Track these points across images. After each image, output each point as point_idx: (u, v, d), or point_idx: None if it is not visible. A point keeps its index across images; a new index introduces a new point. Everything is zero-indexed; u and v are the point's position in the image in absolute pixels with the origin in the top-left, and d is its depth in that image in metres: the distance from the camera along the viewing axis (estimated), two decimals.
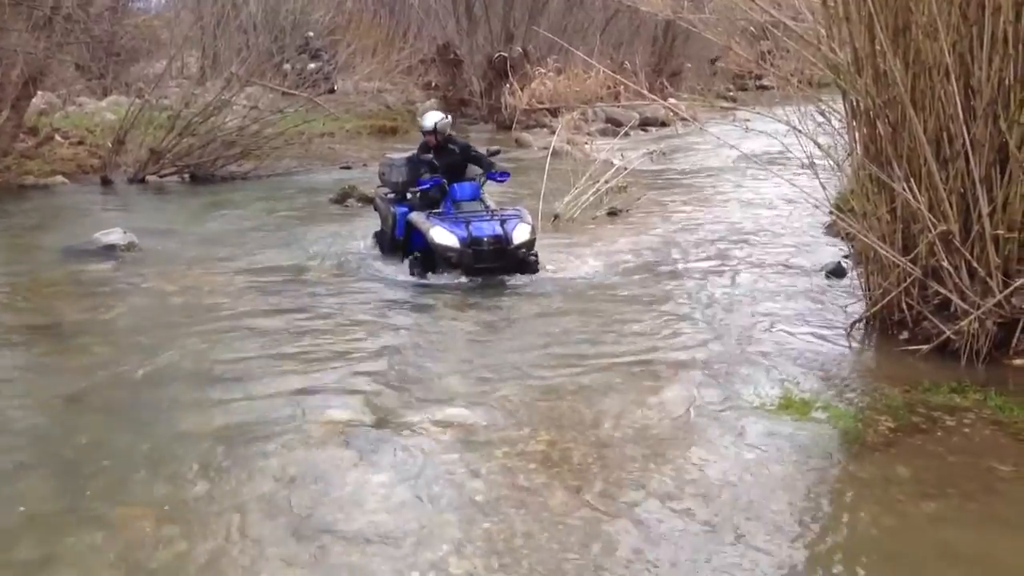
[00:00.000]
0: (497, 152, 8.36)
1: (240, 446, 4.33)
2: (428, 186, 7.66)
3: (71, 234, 8.80)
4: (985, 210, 5.25)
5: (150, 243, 8.49)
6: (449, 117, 8.43)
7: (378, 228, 8.49)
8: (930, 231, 5.40)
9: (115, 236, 8.32)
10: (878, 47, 5.47)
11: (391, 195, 8.27)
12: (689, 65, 26.26)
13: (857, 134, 5.99)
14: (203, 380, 5.20)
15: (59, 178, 12.02)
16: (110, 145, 12.77)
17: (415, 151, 8.20)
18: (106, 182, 12.23)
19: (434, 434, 4.48)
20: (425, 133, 8.09)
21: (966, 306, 5.37)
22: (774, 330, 6.15)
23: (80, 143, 13.57)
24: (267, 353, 5.65)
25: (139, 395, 5.00)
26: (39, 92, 13.80)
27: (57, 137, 13.46)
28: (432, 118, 8.16)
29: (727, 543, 3.53)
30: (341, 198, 11.06)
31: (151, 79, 15.76)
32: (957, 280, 5.42)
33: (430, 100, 21.32)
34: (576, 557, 3.44)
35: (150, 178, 12.42)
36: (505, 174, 8.03)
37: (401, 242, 7.87)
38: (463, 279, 7.25)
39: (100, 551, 3.45)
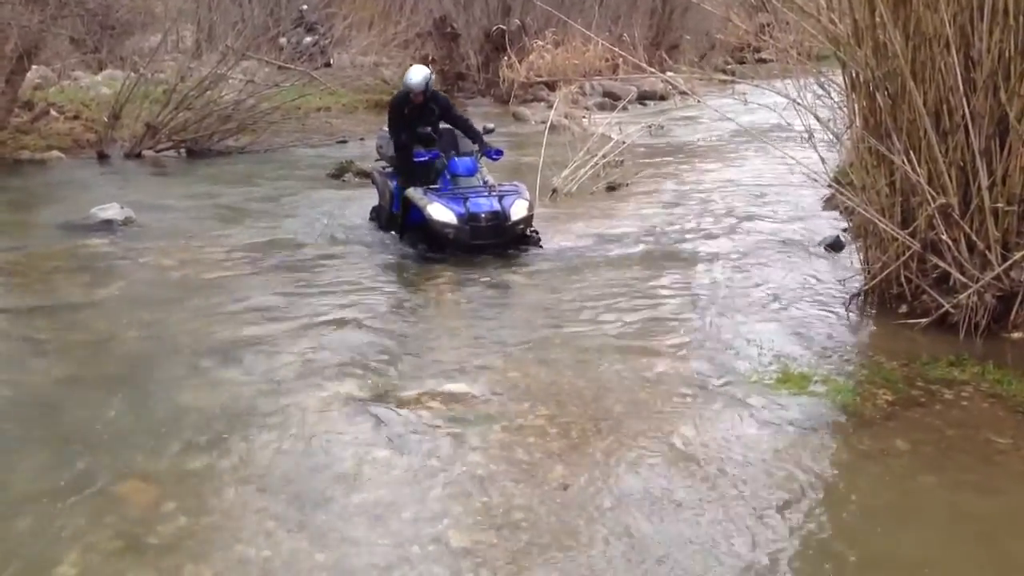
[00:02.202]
0: (491, 131, 8.17)
1: (239, 420, 4.34)
2: (426, 158, 7.59)
3: (68, 209, 8.76)
4: (985, 183, 5.24)
5: (147, 218, 8.46)
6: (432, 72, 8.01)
7: (375, 203, 8.45)
8: (929, 204, 5.39)
9: (112, 211, 8.28)
10: (878, 18, 5.43)
11: (388, 169, 8.21)
12: (688, 38, 26.09)
13: (856, 106, 5.97)
14: (201, 354, 5.19)
15: (55, 153, 11.95)
16: (106, 119, 12.68)
17: (392, 109, 7.86)
18: (102, 157, 12.16)
19: (433, 408, 4.49)
20: (413, 93, 7.61)
21: (965, 279, 5.37)
22: (772, 304, 6.15)
23: (76, 117, 13.47)
24: (265, 327, 5.64)
25: (137, 370, 4.99)
26: (34, 66, 13.67)
27: (52, 112, 13.36)
28: (419, 74, 7.65)
29: (726, 516, 3.55)
30: (338, 172, 11.02)
31: (146, 53, 15.62)
32: (956, 253, 5.41)
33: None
34: (575, 531, 3.45)
35: (146, 153, 12.34)
36: (500, 151, 7.90)
37: (398, 217, 7.82)
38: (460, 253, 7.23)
39: (100, 526, 3.45)
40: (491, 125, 8.42)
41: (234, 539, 3.39)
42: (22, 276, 6.91)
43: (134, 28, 18.96)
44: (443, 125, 7.89)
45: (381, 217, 8.25)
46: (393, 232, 7.90)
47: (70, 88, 15.46)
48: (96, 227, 8.10)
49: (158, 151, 12.50)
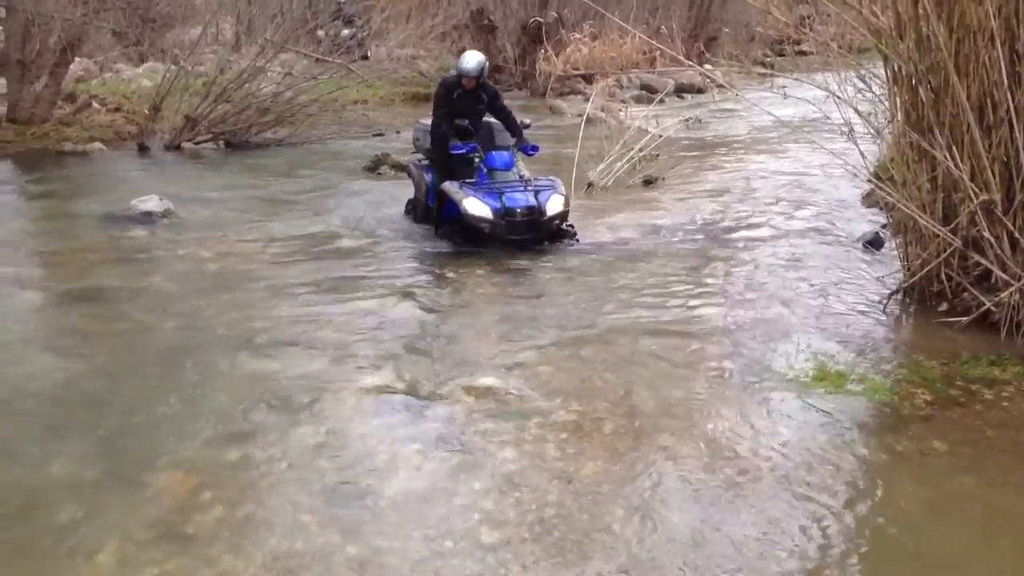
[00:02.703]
0: (527, 126, 8.14)
1: (275, 412, 4.38)
2: (464, 151, 7.59)
3: (109, 201, 8.88)
4: None
5: (186, 210, 8.56)
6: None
7: (411, 196, 8.47)
8: (971, 200, 5.30)
9: (152, 203, 8.39)
10: (921, 11, 5.35)
11: (424, 162, 8.22)
12: (727, 30, 25.89)
13: (898, 100, 5.88)
14: (239, 346, 5.24)
15: (97, 145, 12.12)
16: (146, 112, 12.84)
17: (441, 90, 7.80)
18: (143, 149, 12.32)
19: (466, 402, 4.50)
20: (466, 77, 7.57)
21: (1007, 277, 5.29)
22: (809, 301, 6.09)
23: (117, 110, 13.67)
24: (301, 320, 5.68)
25: (175, 360, 5.05)
26: (76, 59, 13.88)
27: (94, 104, 13.56)
28: (475, 59, 7.64)
29: (760, 514, 3.52)
30: (374, 165, 11.05)
31: (187, 46, 15.80)
32: (998, 251, 5.32)
33: None
34: (607, 528, 3.45)
35: (185, 145, 12.48)
36: (535, 147, 7.86)
37: (434, 210, 7.83)
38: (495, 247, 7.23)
39: (137, 515, 3.50)
40: (528, 120, 8.38)
41: (269, 531, 3.42)
42: (64, 266, 7.02)
43: (175, 21, 19.20)
44: (485, 119, 7.88)
45: (417, 210, 8.26)
46: (429, 225, 7.91)
47: (112, 80, 15.69)
48: (136, 218, 8.21)
49: (197, 143, 12.64)
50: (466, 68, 7.59)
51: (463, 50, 22.27)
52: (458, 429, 4.23)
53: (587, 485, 3.74)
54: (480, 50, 21.24)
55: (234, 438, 4.12)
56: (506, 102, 8.25)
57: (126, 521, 3.47)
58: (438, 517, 3.51)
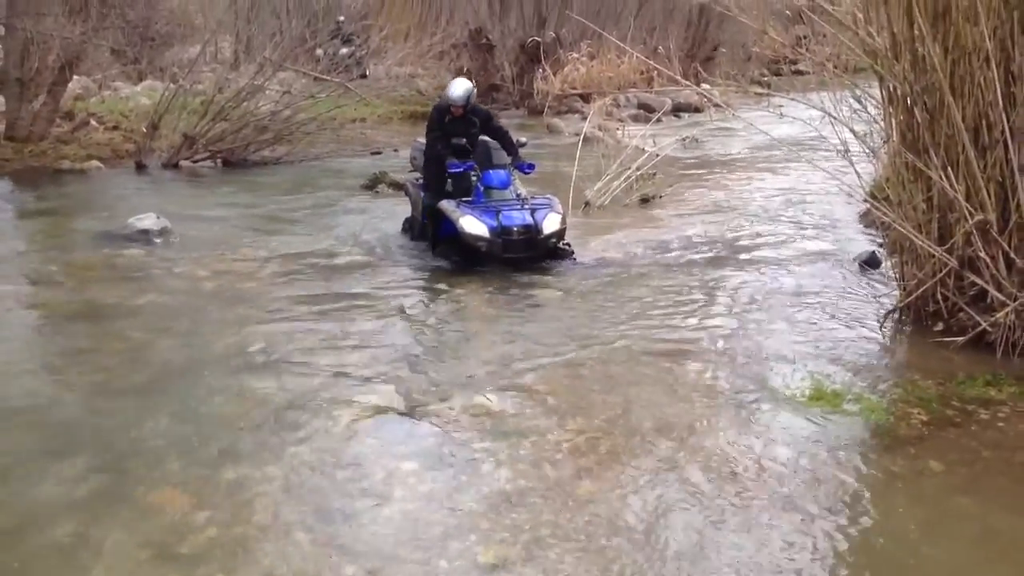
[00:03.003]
0: (523, 144, 8.15)
1: (271, 432, 4.37)
2: (461, 169, 7.61)
3: (106, 219, 8.89)
4: None
5: (183, 228, 8.55)
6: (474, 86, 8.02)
7: (409, 214, 8.48)
8: (967, 220, 5.32)
9: (149, 221, 8.38)
10: (916, 32, 5.38)
11: (421, 180, 8.24)
12: (723, 50, 25.99)
13: (893, 121, 5.91)
14: (234, 365, 5.24)
15: (94, 163, 12.12)
16: (144, 130, 12.85)
17: (433, 114, 7.82)
18: (140, 167, 12.32)
19: (462, 422, 4.49)
20: (454, 106, 7.63)
21: (1003, 297, 5.29)
22: (806, 319, 6.09)
23: (115, 128, 13.68)
24: (297, 338, 5.68)
25: (171, 379, 5.04)
26: (75, 77, 13.92)
27: (92, 122, 13.58)
28: (462, 87, 7.70)
29: (756, 534, 3.51)
30: (372, 184, 11.07)
31: (185, 64, 15.84)
32: (994, 271, 5.33)
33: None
34: (604, 547, 3.44)
35: (183, 163, 12.49)
36: (532, 166, 7.89)
37: (428, 228, 7.85)
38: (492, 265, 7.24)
39: (132, 534, 3.49)
40: (523, 139, 8.41)
41: (264, 551, 3.41)
42: (60, 284, 7.01)
43: (174, 39, 19.27)
44: (481, 137, 7.91)
45: (414, 228, 8.28)
46: (426, 243, 7.92)
47: (110, 99, 15.72)
48: (133, 236, 8.20)
49: (195, 161, 12.65)
50: (452, 97, 7.65)
51: (461, 69, 22.42)
52: (455, 448, 4.22)
53: (583, 505, 3.73)
54: (478, 69, 21.42)
55: (229, 457, 4.12)
56: (503, 121, 8.27)
57: (120, 540, 3.45)
58: (434, 537, 3.50)
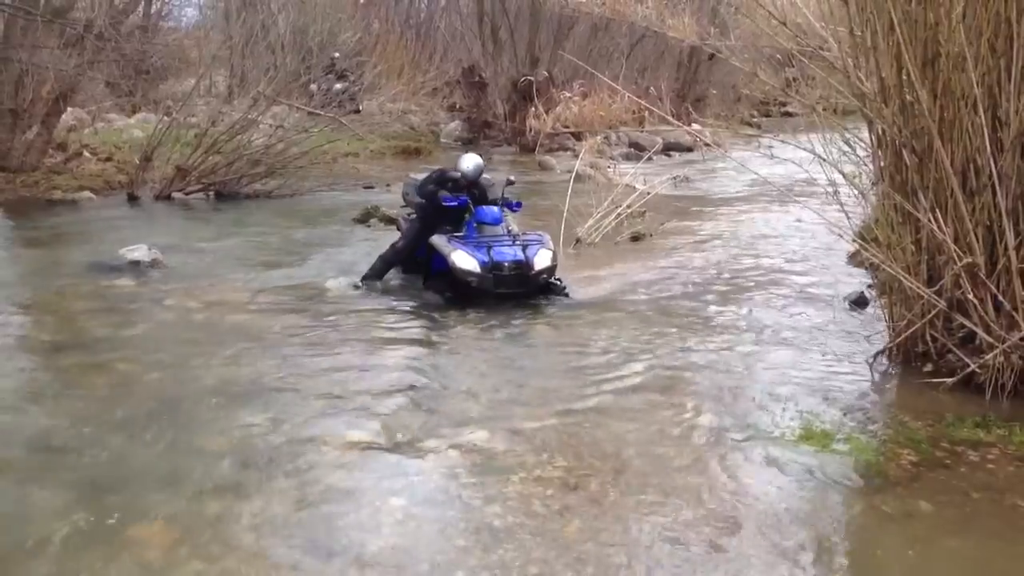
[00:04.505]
0: (512, 183, 8.23)
1: (258, 466, 4.33)
2: (455, 204, 7.65)
3: (97, 250, 8.88)
4: (1012, 243, 5.21)
5: (175, 260, 8.55)
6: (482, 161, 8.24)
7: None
8: (955, 263, 5.35)
9: (140, 252, 8.38)
10: (905, 77, 5.45)
11: (414, 215, 8.28)
12: (714, 91, 26.29)
13: (882, 163, 5.96)
14: (223, 398, 5.21)
15: (86, 193, 12.14)
16: (137, 162, 12.89)
17: (435, 174, 8.08)
18: (132, 198, 12.34)
19: (451, 458, 4.47)
20: (466, 182, 7.81)
21: (991, 339, 5.31)
22: (795, 359, 6.10)
23: (108, 159, 13.73)
24: (287, 372, 5.66)
25: (159, 412, 5.00)
26: (69, 108, 13.98)
27: (86, 153, 13.63)
28: (472, 163, 7.92)
29: (744, 575, 3.50)
30: (364, 218, 11.11)
31: (179, 97, 15.91)
32: (982, 313, 5.36)
33: (454, 122, 21.41)
34: None
35: (176, 195, 12.52)
36: (519, 204, 8.04)
37: (422, 263, 7.87)
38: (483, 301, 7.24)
39: (116, 568, 3.45)
40: (512, 177, 8.47)
41: None
42: (50, 315, 6.99)
43: (168, 73, 19.37)
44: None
45: (406, 263, 8.28)
46: (422, 280, 7.92)
47: (104, 130, 15.77)
48: (124, 268, 8.19)
49: (187, 194, 12.68)
50: (465, 171, 7.85)
51: (454, 106, 22.54)
52: (443, 484, 4.20)
53: (572, 543, 3.70)
54: (471, 106, 21.56)
55: (215, 491, 4.08)
56: (495, 157, 8.42)
57: (103, 574, 3.41)
58: (422, 573, 3.46)
